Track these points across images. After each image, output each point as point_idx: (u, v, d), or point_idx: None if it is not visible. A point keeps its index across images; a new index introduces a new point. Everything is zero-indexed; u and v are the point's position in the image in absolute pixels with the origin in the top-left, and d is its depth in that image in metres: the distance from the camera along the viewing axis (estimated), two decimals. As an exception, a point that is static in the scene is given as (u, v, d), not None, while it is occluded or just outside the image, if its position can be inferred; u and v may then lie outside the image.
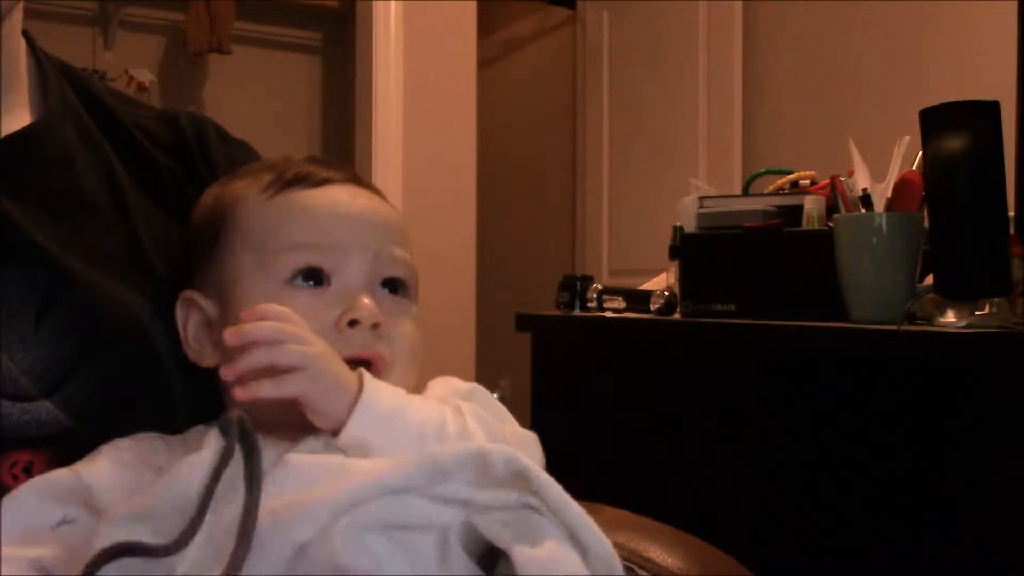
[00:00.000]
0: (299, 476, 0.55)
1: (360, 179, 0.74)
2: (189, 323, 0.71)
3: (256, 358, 0.59)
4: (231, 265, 0.69)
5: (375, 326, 0.66)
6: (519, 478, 0.54)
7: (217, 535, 0.52)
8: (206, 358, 0.70)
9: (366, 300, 0.66)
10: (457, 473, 0.54)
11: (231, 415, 0.55)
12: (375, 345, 0.66)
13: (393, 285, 0.70)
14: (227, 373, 0.60)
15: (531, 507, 0.54)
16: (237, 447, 0.54)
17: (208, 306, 0.70)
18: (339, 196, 0.71)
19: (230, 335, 0.59)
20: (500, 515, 0.54)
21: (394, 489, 0.53)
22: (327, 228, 0.68)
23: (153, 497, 0.55)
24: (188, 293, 0.71)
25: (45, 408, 0.65)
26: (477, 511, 0.54)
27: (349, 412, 0.59)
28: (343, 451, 0.59)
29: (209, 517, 0.52)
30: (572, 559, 0.53)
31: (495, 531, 0.53)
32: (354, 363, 0.64)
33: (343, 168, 0.74)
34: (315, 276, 0.67)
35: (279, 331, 0.60)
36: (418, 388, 0.68)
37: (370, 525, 0.52)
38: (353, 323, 0.65)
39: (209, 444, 0.55)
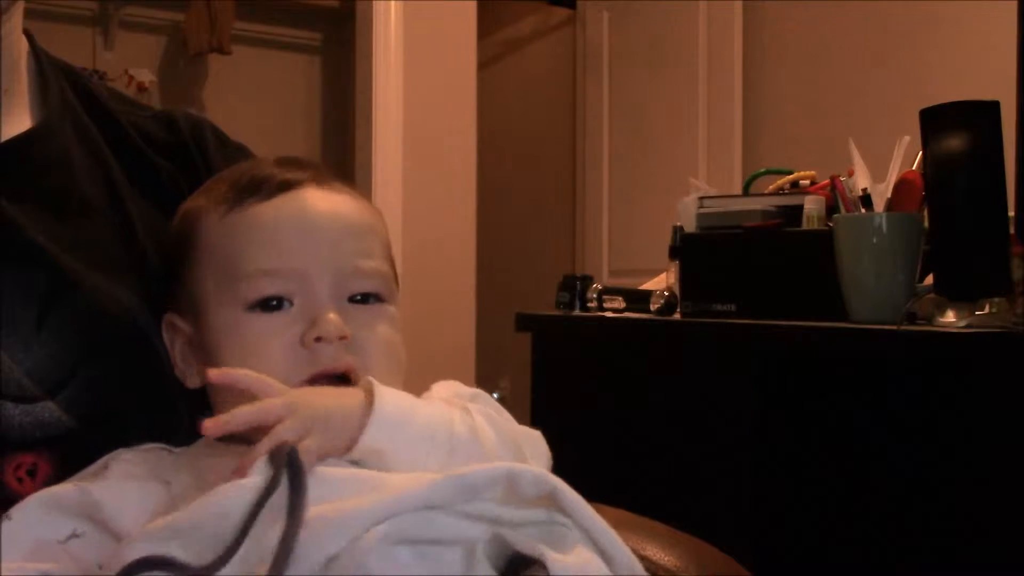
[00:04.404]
0: (331, 488, 0.55)
1: (325, 178, 0.71)
2: (175, 345, 0.71)
3: (263, 447, 0.57)
4: (198, 288, 0.69)
5: (342, 339, 0.65)
6: (547, 496, 0.55)
7: (252, 559, 0.52)
8: (190, 379, 0.70)
9: (330, 315, 0.65)
10: (486, 491, 0.54)
11: (284, 444, 0.55)
12: (344, 357, 0.65)
13: (363, 298, 0.68)
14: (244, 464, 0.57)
15: (559, 524, 0.55)
16: (284, 478, 0.54)
17: (187, 328, 0.70)
18: (297, 207, 0.68)
19: (210, 429, 0.57)
20: (527, 530, 0.54)
21: (424, 505, 0.53)
22: (285, 251, 0.66)
23: (191, 515, 0.54)
24: (170, 316, 0.71)
25: (48, 409, 0.65)
26: (505, 526, 0.54)
27: (359, 429, 0.58)
28: (357, 464, 0.59)
29: (246, 542, 0.52)
30: (602, 567, 0.53)
31: (523, 541, 0.53)
32: (327, 379, 0.64)
33: (307, 167, 0.72)
34: (277, 300, 0.66)
35: (257, 414, 0.58)
36: (420, 391, 0.67)
37: (399, 538, 0.52)
38: (319, 339, 0.64)
39: (257, 470, 0.55)
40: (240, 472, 0.56)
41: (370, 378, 0.61)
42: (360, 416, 0.59)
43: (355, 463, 0.59)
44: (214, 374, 0.61)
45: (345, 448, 0.58)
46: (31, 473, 0.64)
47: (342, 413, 0.59)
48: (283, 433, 0.57)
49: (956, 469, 1.37)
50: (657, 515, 0.87)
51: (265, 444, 0.57)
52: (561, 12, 4.11)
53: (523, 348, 2.03)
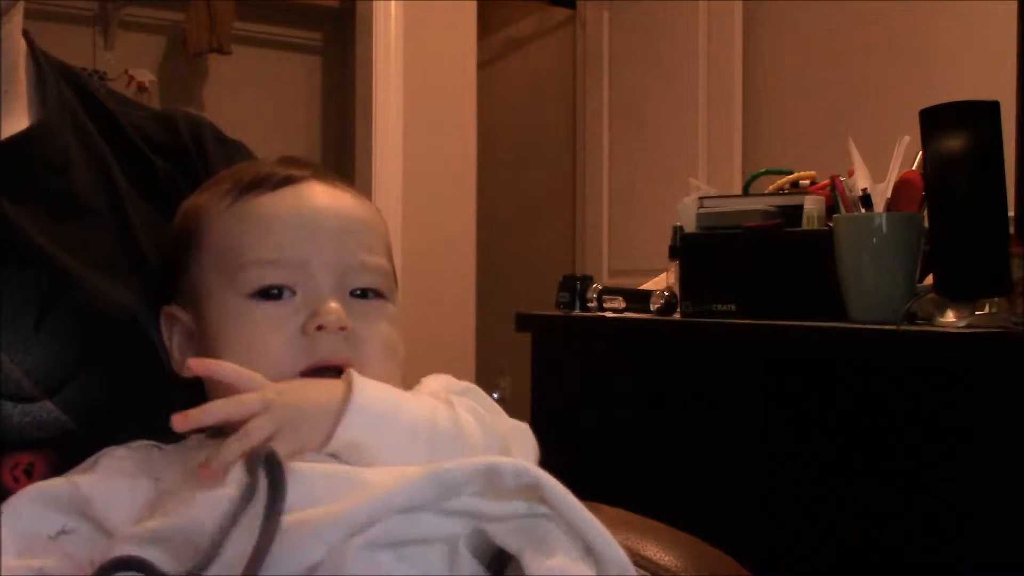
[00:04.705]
0: (307, 489, 0.54)
1: (326, 175, 0.72)
2: (173, 336, 0.71)
3: (238, 447, 0.57)
4: (200, 280, 0.69)
5: (342, 329, 0.65)
6: (529, 489, 0.54)
7: (232, 564, 0.52)
8: (186, 370, 0.69)
9: (332, 304, 0.65)
10: (467, 487, 0.54)
11: (261, 448, 0.55)
12: (342, 350, 0.65)
13: (363, 293, 0.68)
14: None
15: (542, 516, 0.54)
16: (263, 483, 0.53)
17: (187, 319, 0.70)
18: (300, 200, 0.69)
19: (179, 423, 0.57)
20: (509, 524, 0.54)
21: (405, 508, 0.53)
22: (287, 242, 0.66)
23: (169, 522, 0.54)
24: (169, 308, 0.71)
25: (46, 409, 0.65)
26: (486, 521, 0.54)
27: (336, 422, 0.58)
28: (336, 457, 0.58)
29: (227, 548, 0.52)
30: (581, 569, 0.53)
31: (504, 538, 0.53)
32: (323, 370, 0.64)
33: (308, 165, 0.72)
34: (278, 289, 0.66)
35: (229, 410, 0.58)
36: (411, 384, 0.67)
37: (380, 543, 0.52)
38: (320, 328, 0.64)
39: (233, 479, 0.55)
40: (205, 470, 0.55)
41: (351, 370, 0.61)
42: (337, 409, 0.58)
43: (334, 456, 0.58)
44: (194, 364, 0.61)
45: (322, 443, 0.58)
46: (28, 472, 0.64)
47: (318, 407, 0.59)
48: (254, 430, 0.57)
49: (956, 469, 1.37)
50: (657, 515, 0.87)
51: (233, 442, 0.56)
52: (561, 12, 4.11)
53: (523, 348, 2.03)
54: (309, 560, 0.51)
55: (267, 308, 0.66)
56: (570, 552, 0.53)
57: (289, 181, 0.69)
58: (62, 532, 0.59)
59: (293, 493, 0.53)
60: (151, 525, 0.55)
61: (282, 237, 0.67)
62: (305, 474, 0.55)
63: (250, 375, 0.61)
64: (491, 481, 0.54)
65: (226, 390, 0.60)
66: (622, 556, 0.54)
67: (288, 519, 0.52)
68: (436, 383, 0.67)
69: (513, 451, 0.63)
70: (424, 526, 0.53)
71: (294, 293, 0.66)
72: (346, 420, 0.58)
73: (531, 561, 0.51)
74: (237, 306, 0.66)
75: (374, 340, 0.67)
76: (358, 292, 0.68)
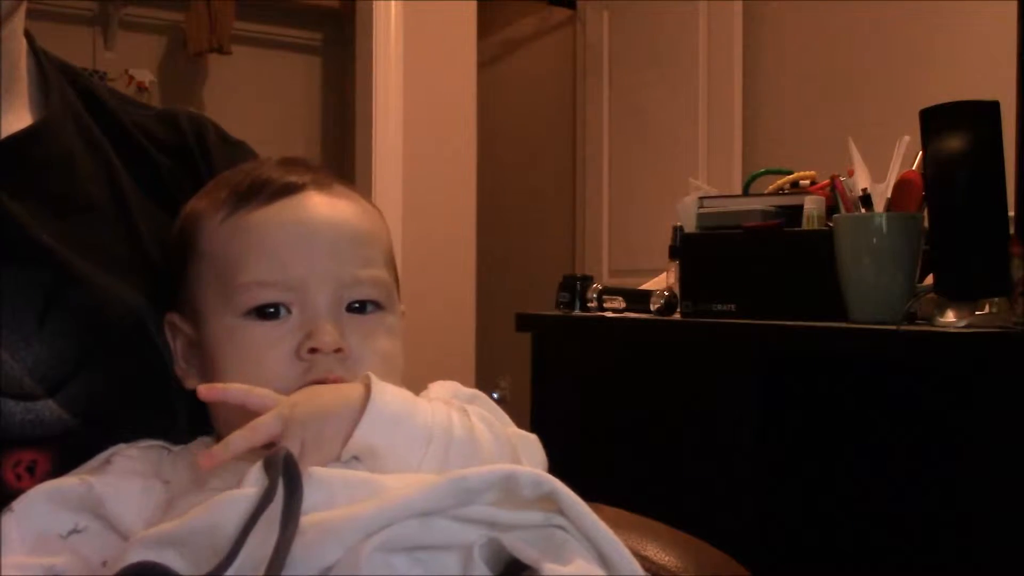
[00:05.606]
0: (326, 492, 0.54)
1: (326, 181, 0.71)
2: (177, 345, 0.71)
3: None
4: (198, 293, 0.69)
5: (338, 351, 0.65)
6: (546, 498, 0.54)
7: (248, 568, 0.52)
8: (191, 380, 0.69)
9: (327, 326, 0.65)
10: (485, 494, 0.54)
11: (278, 450, 0.55)
12: (338, 369, 0.65)
13: (361, 306, 0.68)
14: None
15: (557, 526, 0.54)
16: (280, 486, 0.53)
17: (188, 330, 0.70)
18: (297, 214, 0.68)
19: (207, 463, 0.57)
20: (525, 533, 0.54)
21: (422, 512, 0.53)
22: (283, 260, 0.66)
23: (187, 524, 0.54)
24: (171, 317, 0.71)
25: (48, 407, 0.65)
26: (502, 530, 0.54)
27: (353, 425, 0.58)
28: (356, 458, 0.58)
29: (243, 551, 0.52)
30: (596, 569, 0.53)
31: (520, 548, 0.53)
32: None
33: (309, 169, 0.71)
34: (275, 308, 0.66)
35: (251, 439, 0.58)
36: (419, 392, 0.67)
37: (396, 546, 0.52)
38: (314, 351, 0.64)
39: (251, 480, 0.55)
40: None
41: (371, 374, 0.61)
42: (356, 411, 0.59)
43: (354, 458, 0.58)
44: (203, 392, 0.61)
45: (341, 445, 0.58)
46: (30, 470, 0.64)
47: (336, 411, 0.59)
48: (292, 442, 0.57)
49: (956, 469, 1.37)
50: (656, 515, 0.87)
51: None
52: (561, 12, 4.11)
53: (523, 348, 2.03)
54: (325, 561, 0.51)
55: (264, 328, 0.65)
56: (586, 559, 0.53)
57: (287, 191, 0.68)
58: (74, 531, 0.59)
59: (312, 497, 0.53)
60: (166, 527, 0.55)
61: (278, 255, 0.66)
62: (324, 478, 0.55)
63: (261, 394, 0.61)
64: (508, 490, 0.54)
65: (237, 407, 0.61)
66: (636, 568, 0.54)
67: (306, 520, 0.52)
68: (443, 390, 0.67)
69: (522, 461, 0.63)
70: (440, 532, 0.53)
71: (290, 311, 0.66)
72: (364, 423, 0.58)
73: (549, 569, 0.51)
74: (234, 325, 0.66)
75: (371, 358, 0.67)
76: (356, 305, 0.68)
